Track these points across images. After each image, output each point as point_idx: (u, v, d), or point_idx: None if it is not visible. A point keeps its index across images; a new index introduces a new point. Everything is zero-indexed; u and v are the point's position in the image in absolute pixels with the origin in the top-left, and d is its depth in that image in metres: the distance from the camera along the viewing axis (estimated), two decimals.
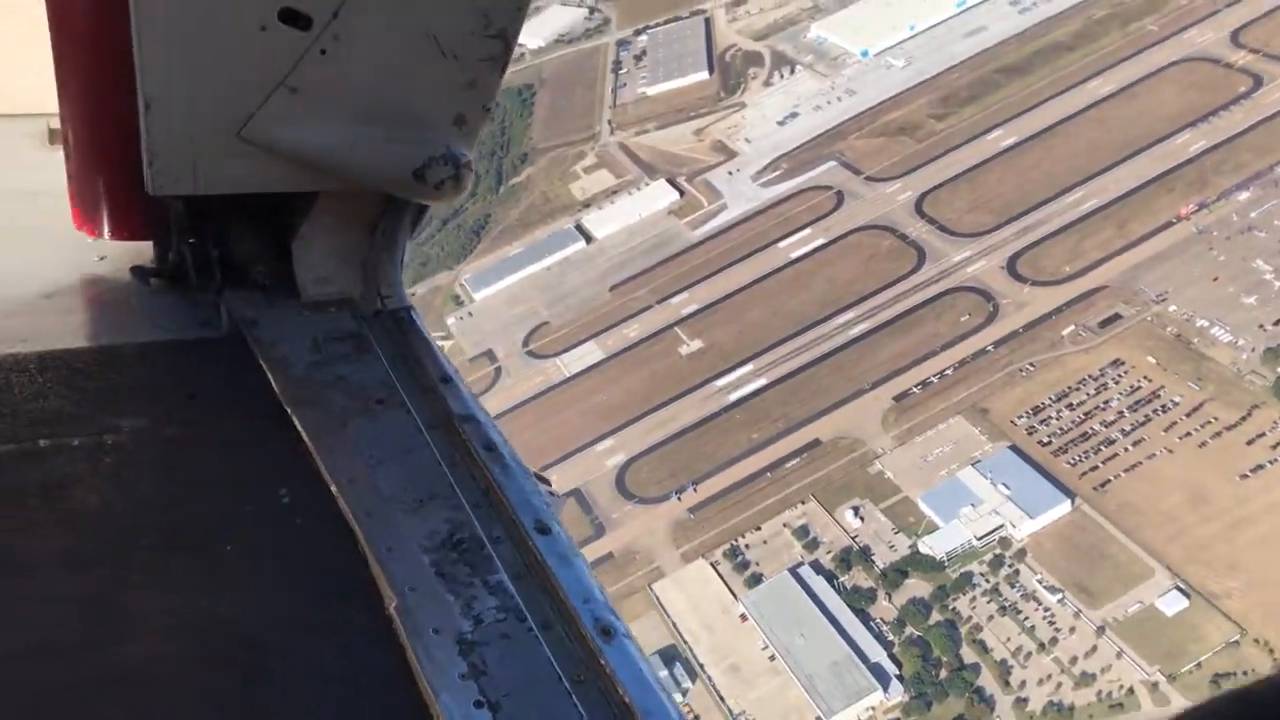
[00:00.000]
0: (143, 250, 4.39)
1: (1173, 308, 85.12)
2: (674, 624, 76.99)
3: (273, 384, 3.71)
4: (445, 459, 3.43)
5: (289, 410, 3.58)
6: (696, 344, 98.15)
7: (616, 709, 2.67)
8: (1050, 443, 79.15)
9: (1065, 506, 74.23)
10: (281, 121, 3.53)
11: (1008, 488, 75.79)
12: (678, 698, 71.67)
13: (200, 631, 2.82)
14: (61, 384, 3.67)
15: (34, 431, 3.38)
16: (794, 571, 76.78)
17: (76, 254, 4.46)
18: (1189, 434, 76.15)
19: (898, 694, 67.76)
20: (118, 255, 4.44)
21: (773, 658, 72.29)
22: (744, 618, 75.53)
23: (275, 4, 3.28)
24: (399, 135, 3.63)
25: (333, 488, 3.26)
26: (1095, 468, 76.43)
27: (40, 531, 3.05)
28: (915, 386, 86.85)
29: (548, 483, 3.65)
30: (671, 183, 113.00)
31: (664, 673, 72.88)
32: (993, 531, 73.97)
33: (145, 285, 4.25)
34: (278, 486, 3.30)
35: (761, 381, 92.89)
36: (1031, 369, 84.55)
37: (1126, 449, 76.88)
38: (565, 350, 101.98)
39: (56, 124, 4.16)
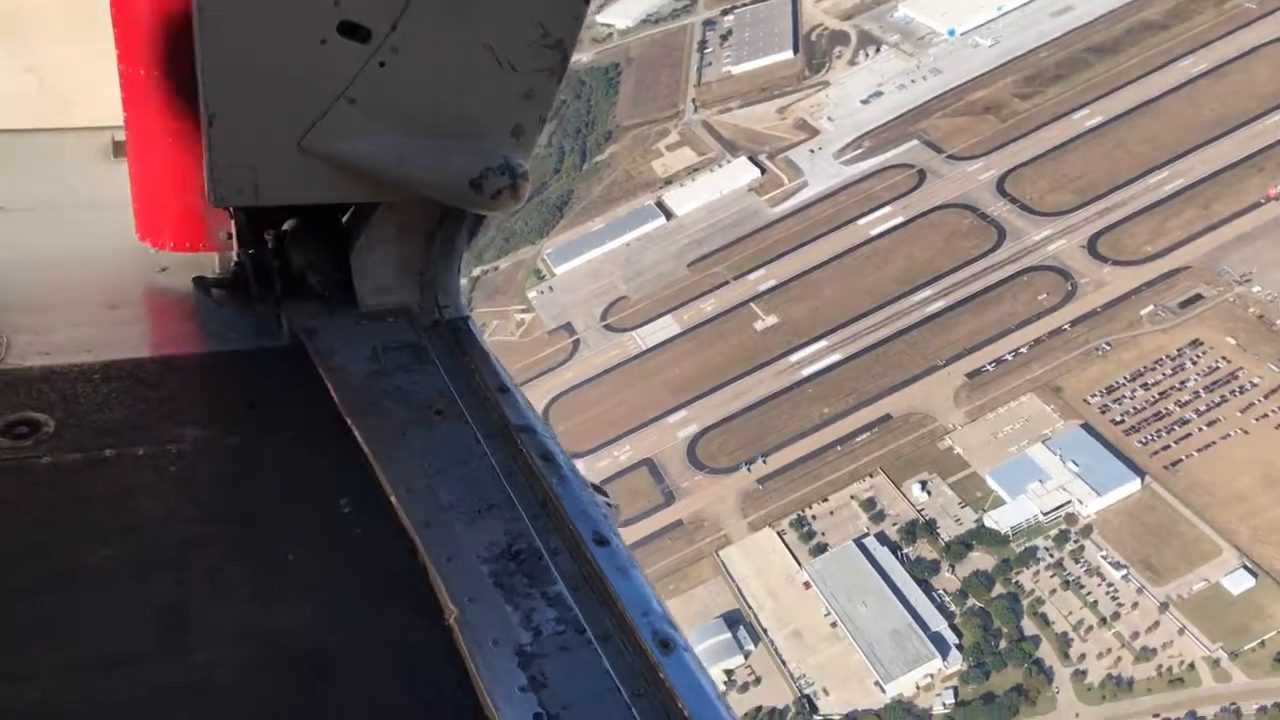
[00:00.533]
0: (204, 261, 4.44)
1: (1256, 289, 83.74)
2: (739, 589, 78.45)
3: (332, 394, 3.75)
4: (503, 469, 3.46)
5: (348, 420, 3.61)
6: (772, 319, 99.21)
7: None
8: (1123, 422, 78.67)
9: (1134, 484, 73.86)
10: (340, 133, 3.59)
11: (1077, 465, 75.61)
12: (739, 660, 73.31)
13: (262, 641, 2.84)
14: (125, 394, 3.70)
15: (99, 441, 3.41)
16: (859, 542, 77.65)
17: (139, 265, 4.50)
18: (1265, 415, 75.12)
19: (956, 663, 68.35)
20: (180, 266, 4.48)
21: (834, 624, 73.34)
22: (808, 585, 76.67)
23: (335, 17, 3.33)
24: (456, 146, 3.69)
25: (392, 498, 3.29)
26: (1167, 447, 75.84)
27: (106, 541, 3.07)
28: (989, 364, 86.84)
29: (605, 494, 3.72)
30: (753, 160, 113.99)
31: (727, 636, 74.50)
32: (1059, 507, 73.95)
33: (206, 296, 4.28)
34: (338, 496, 3.32)
35: (835, 357, 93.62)
36: (1108, 348, 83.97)
37: (1200, 429, 76.12)
38: (642, 324, 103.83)
39: (121, 137, 4.18)
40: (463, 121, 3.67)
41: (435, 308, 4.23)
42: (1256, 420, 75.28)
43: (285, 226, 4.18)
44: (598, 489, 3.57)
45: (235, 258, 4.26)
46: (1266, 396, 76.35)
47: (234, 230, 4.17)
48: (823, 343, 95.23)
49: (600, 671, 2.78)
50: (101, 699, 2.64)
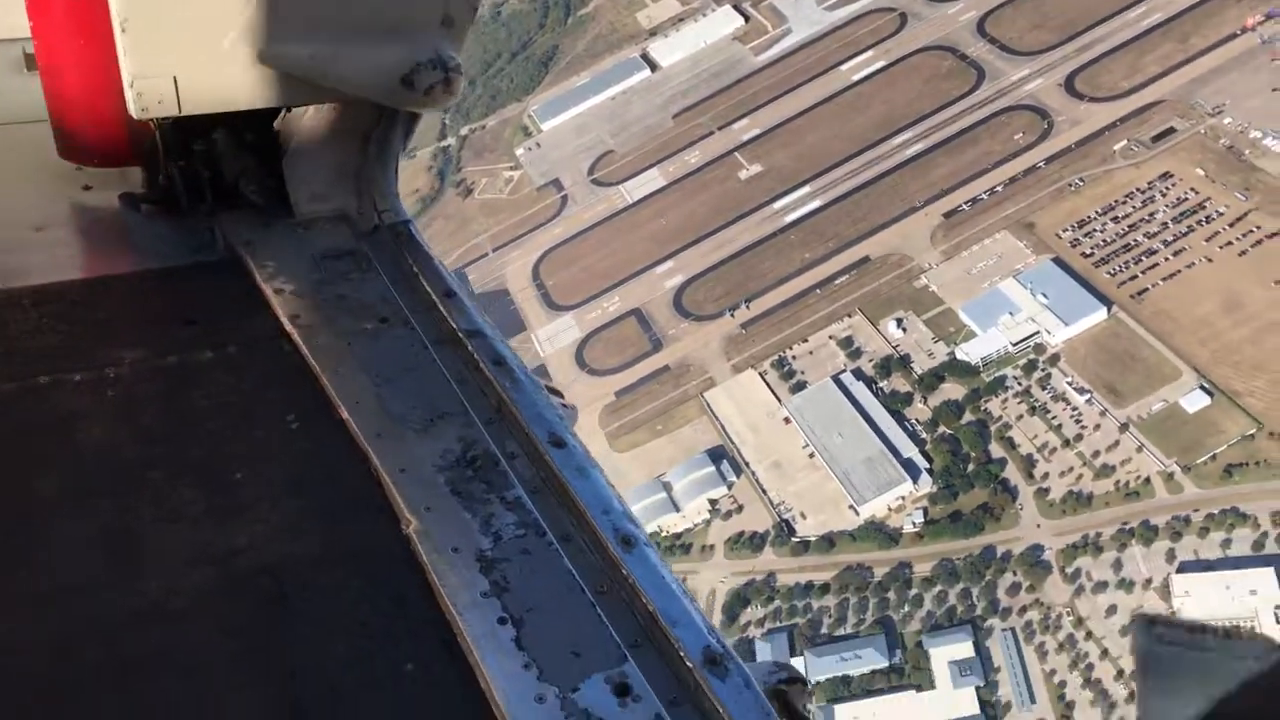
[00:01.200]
0: (132, 176, 4.30)
1: (1228, 120, 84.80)
2: (723, 427, 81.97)
3: (272, 306, 3.69)
4: (454, 376, 3.41)
5: (290, 333, 3.56)
6: (756, 168, 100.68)
7: (641, 617, 2.69)
8: (1092, 254, 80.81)
9: (1101, 314, 76.42)
10: (262, 35, 3.49)
11: (1046, 297, 78.06)
12: (722, 490, 77.22)
13: (217, 563, 2.81)
14: (58, 319, 3.61)
15: (34, 369, 3.33)
16: (836, 378, 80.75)
17: (63, 184, 4.35)
18: (1230, 243, 77.14)
19: (926, 486, 72.04)
20: (106, 183, 4.33)
21: (812, 455, 76.94)
22: (787, 420, 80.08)
23: None
24: (384, 41, 3.59)
25: (340, 411, 3.24)
26: (1134, 277, 78.14)
27: (49, 470, 3.03)
28: (965, 204, 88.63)
29: (560, 395, 3.64)
30: (737, 9, 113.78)
31: (711, 469, 78.23)
32: (1028, 338, 76.69)
33: (136, 212, 4.17)
34: (284, 412, 3.27)
35: (817, 203, 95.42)
36: (1080, 184, 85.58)
37: (1167, 259, 78.28)
38: (629, 178, 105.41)
39: (32, 48, 4.03)
40: (389, 15, 3.57)
41: (374, 212, 4.15)
42: (1220, 248, 77.34)
43: (214, 136, 4.07)
44: (553, 390, 3.53)
45: (164, 171, 4.13)
46: (1231, 225, 78.23)
47: (160, 143, 4.03)
48: (805, 189, 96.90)
49: (562, 572, 2.79)
50: (55, 630, 2.62)
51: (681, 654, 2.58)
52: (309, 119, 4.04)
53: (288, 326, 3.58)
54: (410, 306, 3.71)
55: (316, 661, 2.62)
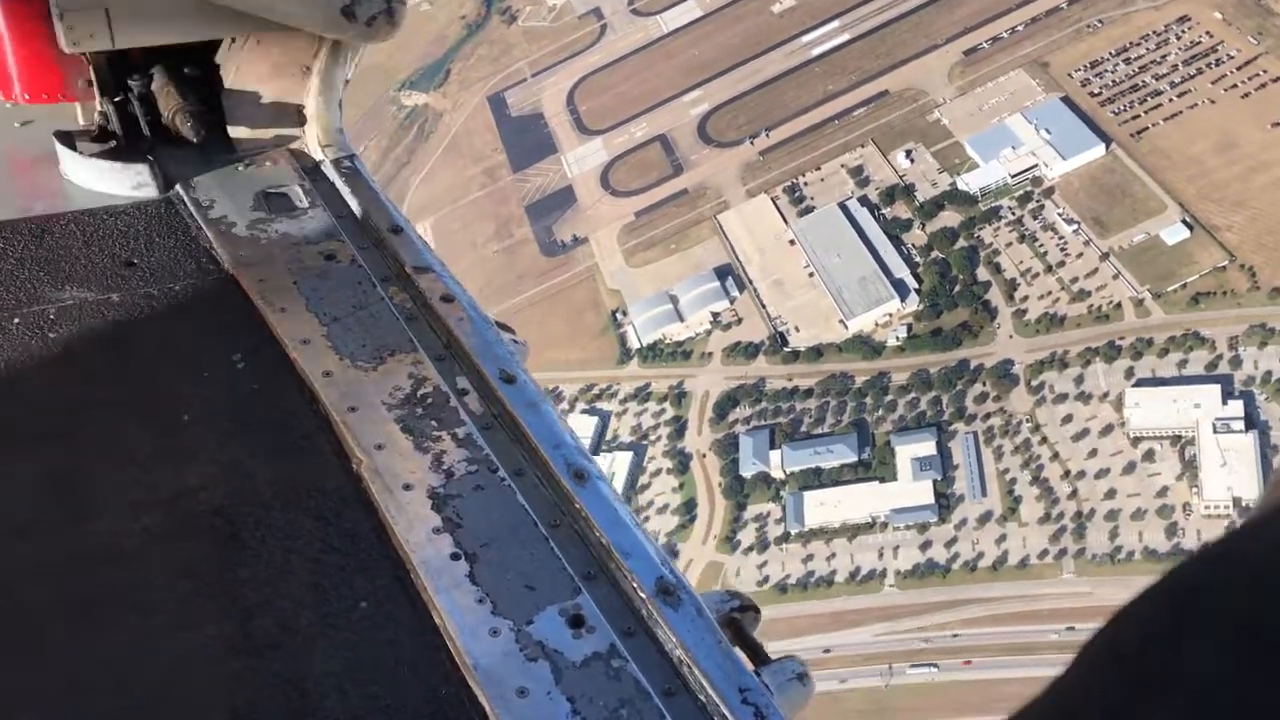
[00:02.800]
0: (67, 112, 4.22)
1: None
2: (732, 247, 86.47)
3: (213, 245, 3.63)
4: (402, 313, 3.39)
5: (232, 272, 3.51)
6: (789, 2, 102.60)
7: (594, 549, 2.72)
8: (1100, 94, 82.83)
9: (1099, 150, 78.96)
10: None
11: (1049, 133, 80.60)
12: (725, 305, 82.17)
13: (166, 504, 2.79)
14: None
15: None
16: (842, 204, 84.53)
17: None
18: (1235, 86, 78.74)
19: (914, 304, 76.35)
20: (41, 119, 4.26)
21: (811, 274, 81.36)
22: (792, 242, 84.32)
23: None
24: None
25: (288, 350, 3.22)
26: (1136, 116, 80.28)
27: None
28: (985, 42, 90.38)
29: (511, 330, 3.61)
30: None
31: (716, 284, 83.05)
32: (1026, 170, 79.62)
33: (72, 150, 4.06)
34: (230, 351, 3.24)
35: (845, 37, 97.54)
36: (1099, 25, 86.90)
37: (1171, 99, 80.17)
38: (667, 8, 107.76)
39: None
40: None
41: (317, 147, 4.07)
42: (1225, 91, 79.03)
43: (150, 71, 3.97)
44: (503, 326, 3.51)
45: (99, 107, 4.04)
46: (1240, 68, 79.66)
47: (94, 78, 3.94)
48: (834, 23, 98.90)
49: (515, 507, 2.81)
50: (7, 572, 2.62)
51: (634, 585, 2.63)
52: (248, 52, 3.97)
53: (231, 266, 3.53)
54: (357, 243, 3.66)
55: (271, 600, 2.61)
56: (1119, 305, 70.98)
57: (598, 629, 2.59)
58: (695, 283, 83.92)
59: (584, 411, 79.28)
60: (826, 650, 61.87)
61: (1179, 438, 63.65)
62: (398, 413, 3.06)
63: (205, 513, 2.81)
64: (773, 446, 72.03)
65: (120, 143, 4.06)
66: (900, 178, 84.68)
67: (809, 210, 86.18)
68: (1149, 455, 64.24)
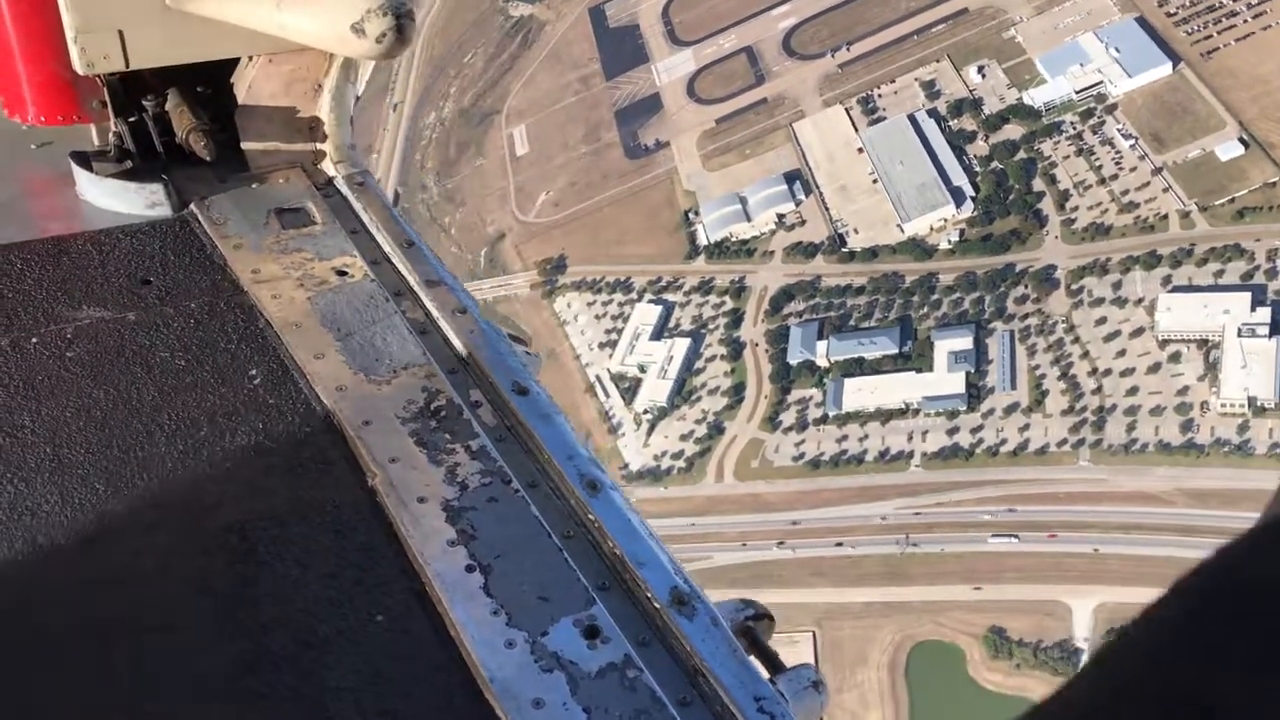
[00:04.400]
0: (83, 134, 4.30)
1: None
2: (803, 153, 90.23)
3: (228, 263, 3.69)
4: (415, 327, 3.45)
5: (246, 289, 3.58)
6: None
7: (609, 560, 2.75)
8: (1176, 14, 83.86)
9: (1166, 68, 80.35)
10: None
11: (1118, 51, 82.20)
12: (790, 207, 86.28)
13: (184, 520, 2.86)
14: (13, 280, 3.61)
15: None
16: (911, 116, 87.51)
17: (12, 142, 4.37)
18: None
19: (968, 211, 79.45)
20: (57, 141, 4.33)
21: (875, 180, 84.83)
22: (860, 150, 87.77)
23: None
24: None
25: (303, 365, 3.28)
26: (1209, 36, 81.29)
27: (13, 434, 3.05)
28: None
29: (523, 342, 3.75)
30: None
31: (784, 187, 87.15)
32: (1091, 87, 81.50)
33: (88, 170, 4.12)
34: (246, 368, 3.29)
35: None
36: None
37: (1245, 20, 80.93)
38: None
39: None
40: None
41: (330, 163, 4.15)
42: None
43: (164, 91, 4.06)
44: (515, 338, 3.62)
45: (113, 128, 4.12)
46: None
47: (108, 99, 4.03)
48: None
49: (529, 518, 2.84)
50: (33, 592, 2.68)
51: (649, 595, 2.65)
52: (260, 70, 4.05)
53: (246, 282, 3.61)
54: (369, 258, 3.73)
55: (288, 615, 2.65)
56: (1165, 217, 73.10)
57: (613, 639, 2.60)
58: (764, 185, 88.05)
59: (650, 301, 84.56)
60: (844, 518, 66.80)
61: (1205, 341, 66.13)
62: (411, 426, 3.10)
63: (223, 530, 2.84)
64: (820, 337, 76.38)
65: (135, 163, 4.11)
66: (970, 92, 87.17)
67: (880, 121, 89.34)
68: (1175, 357, 66.89)
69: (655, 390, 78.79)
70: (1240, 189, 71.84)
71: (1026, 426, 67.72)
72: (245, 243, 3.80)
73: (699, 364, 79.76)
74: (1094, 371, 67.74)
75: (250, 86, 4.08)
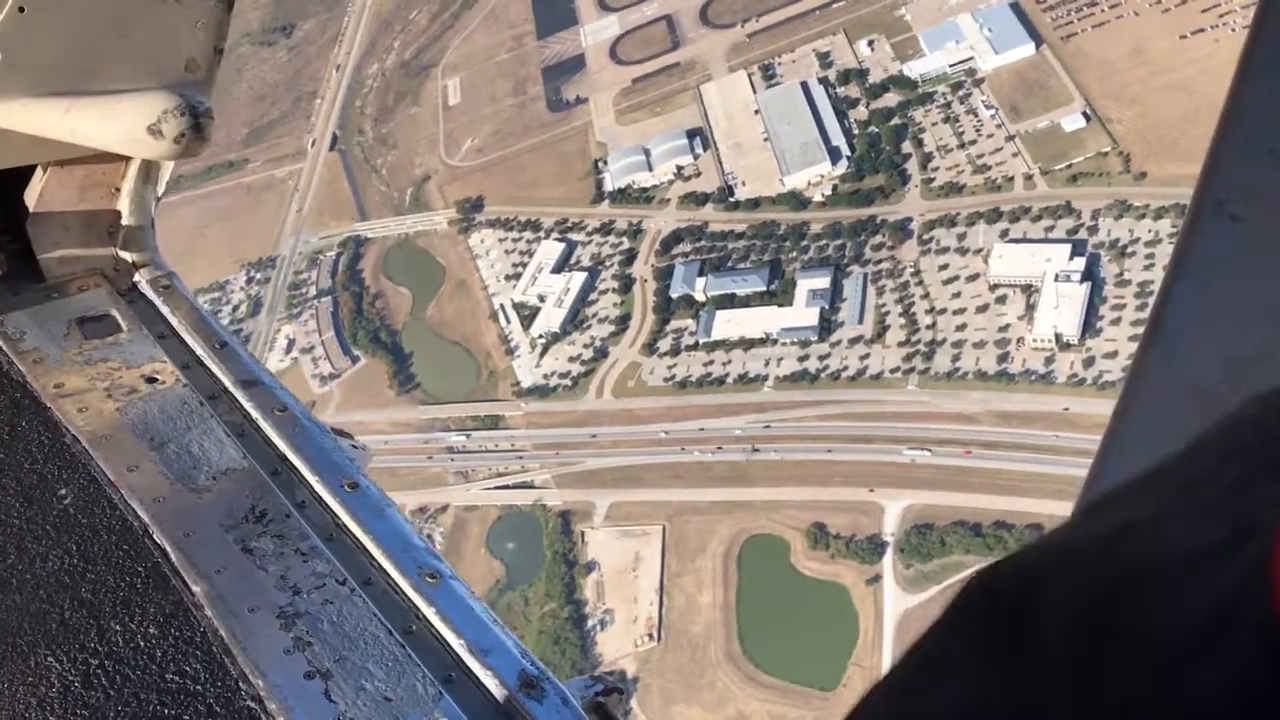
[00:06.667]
0: None
1: None
2: (705, 112, 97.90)
3: (30, 378, 3.52)
4: (233, 429, 3.31)
5: (50, 405, 3.40)
6: None
7: (452, 651, 2.70)
8: (1044, 1, 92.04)
9: (1030, 49, 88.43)
10: None
11: (990, 30, 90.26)
12: (688, 160, 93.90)
13: (4, 658, 2.72)
14: None
15: None
16: (803, 82, 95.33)
17: None
18: (1159, 1, 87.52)
19: (842, 168, 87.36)
20: None
21: (766, 139, 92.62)
22: (756, 112, 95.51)
23: None
24: (124, 89, 3.46)
25: (114, 479, 3.13)
26: (1069, 22, 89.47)
27: None
28: None
29: (349, 436, 3.63)
30: None
31: (684, 142, 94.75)
32: (963, 61, 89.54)
33: None
34: (55, 487, 3.13)
35: None
36: None
37: (1103, 10, 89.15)
38: None
39: None
40: (126, 62, 3.46)
41: (132, 268, 3.98)
42: (1150, 5, 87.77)
43: None
44: (340, 433, 3.52)
45: None
46: None
47: None
48: None
49: (368, 617, 2.76)
50: None
51: (498, 681, 2.60)
52: (52, 177, 3.87)
53: (48, 398, 3.43)
54: (180, 363, 3.59)
55: None
56: (1012, 179, 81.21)
57: None
58: (666, 139, 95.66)
59: (556, 239, 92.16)
60: (701, 429, 74.73)
61: (1029, 286, 74.25)
62: (235, 533, 3.00)
63: (51, 661, 2.70)
64: (700, 275, 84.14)
65: None
66: (859, 63, 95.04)
67: (776, 85, 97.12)
68: (1002, 299, 74.98)
69: (551, 318, 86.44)
70: (1078, 156, 79.98)
71: (867, 356, 75.68)
72: (46, 356, 3.63)
73: (593, 296, 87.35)
74: (931, 310, 75.74)
75: (42, 194, 3.91)
